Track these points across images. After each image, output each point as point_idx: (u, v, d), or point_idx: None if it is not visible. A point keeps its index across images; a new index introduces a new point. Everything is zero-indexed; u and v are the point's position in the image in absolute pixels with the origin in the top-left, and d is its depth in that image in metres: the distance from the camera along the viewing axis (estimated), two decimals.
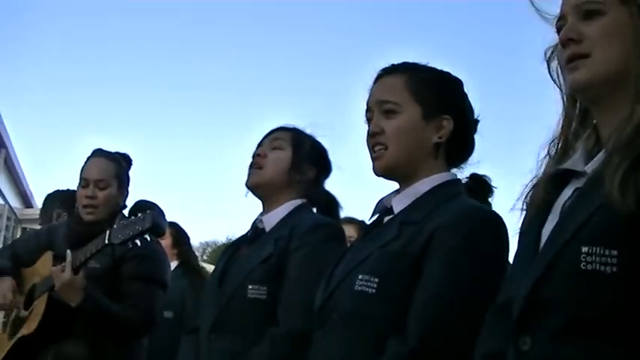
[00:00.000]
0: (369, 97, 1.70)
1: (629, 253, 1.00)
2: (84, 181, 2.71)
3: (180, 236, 4.39)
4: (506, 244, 1.53)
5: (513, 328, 1.10)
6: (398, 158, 1.63)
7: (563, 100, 1.25)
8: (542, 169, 1.24)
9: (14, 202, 13.57)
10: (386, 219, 1.65)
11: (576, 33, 1.16)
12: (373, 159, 1.66)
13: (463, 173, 1.73)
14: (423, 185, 1.63)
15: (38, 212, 4.11)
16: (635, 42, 1.13)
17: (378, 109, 1.66)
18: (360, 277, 1.52)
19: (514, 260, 1.24)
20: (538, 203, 1.20)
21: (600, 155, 1.14)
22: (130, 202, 2.87)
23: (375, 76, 1.72)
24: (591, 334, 1.02)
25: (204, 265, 5.57)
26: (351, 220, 3.52)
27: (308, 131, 2.19)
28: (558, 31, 1.21)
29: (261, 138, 2.18)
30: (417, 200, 1.61)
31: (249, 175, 2.11)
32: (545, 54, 1.27)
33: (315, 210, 2.15)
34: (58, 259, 2.58)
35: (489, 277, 1.44)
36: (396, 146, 1.62)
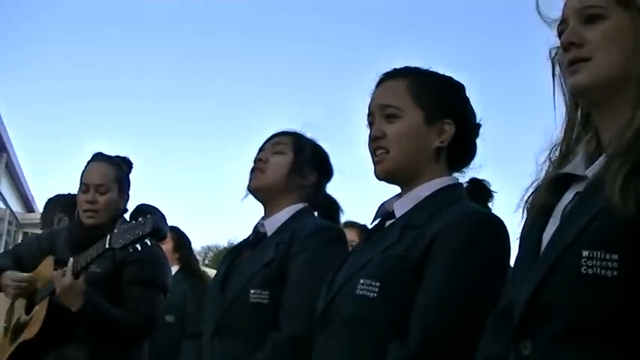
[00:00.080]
0: (371, 101, 1.70)
1: (629, 257, 1.00)
2: (84, 186, 2.71)
3: (181, 240, 4.40)
4: (507, 246, 1.53)
5: (514, 332, 1.10)
6: (399, 162, 1.63)
7: (566, 104, 1.25)
8: (542, 173, 1.24)
9: (15, 207, 13.57)
10: (388, 223, 1.65)
11: (578, 37, 1.16)
12: (375, 163, 1.66)
13: (465, 177, 1.73)
14: (424, 189, 1.63)
15: (39, 217, 4.11)
16: (637, 46, 1.13)
17: (379, 114, 1.66)
18: (361, 281, 1.52)
19: (515, 264, 1.24)
20: (539, 207, 1.20)
21: (601, 159, 1.14)
22: (131, 205, 2.86)
23: (376, 80, 1.72)
24: (592, 339, 1.02)
25: (206, 269, 5.58)
26: (352, 224, 3.53)
27: (309, 135, 2.20)
28: (559, 35, 1.22)
29: (262, 142, 2.18)
30: (419, 204, 1.61)
31: (250, 179, 2.12)
32: (550, 53, 1.27)
33: (316, 214, 2.15)
34: (60, 263, 2.58)
35: (491, 279, 1.44)
36: (397, 150, 1.62)
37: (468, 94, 1.74)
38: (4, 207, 12.63)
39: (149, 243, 2.37)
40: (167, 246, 3.90)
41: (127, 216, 2.81)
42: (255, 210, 2.15)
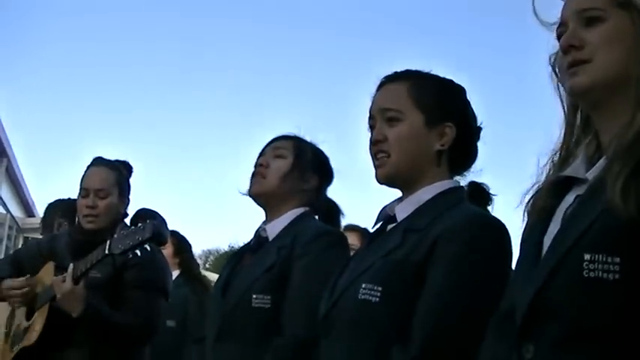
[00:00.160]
0: (372, 104, 1.70)
1: (631, 260, 1.00)
2: (84, 191, 2.71)
3: (181, 245, 4.39)
4: (508, 249, 1.53)
5: (516, 335, 1.10)
6: (400, 166, 1.63)
7: (565, 108, 1.25)
8: (543, 177, 1.24)
9: (16, 212, 13.57)
10: (389, 227, 1.65)
11: (577, 39, 1.16)
12: (376, 167, 1.66)
13: (466, 180, 1.73)
14: (425, 193, 1.62)
15: (40, 221, 4.11)
16: (636, 47, 1.13)
17: (380, 117, 1.66)
18: (363, 285, 1.51)
19: (516, 267, 1.24)
20: (539, 210, 1.20)
21: (601, 162, 1.14)
22: (132, 210, 2.86)
23: (377, 83, 1.72)
24: (594, 341, 1.02)
25: (207, 273, 5.58)
26: (353, 228, 3.52)
27: (309, 139, 2.19)
28: (559, 38, 1.21)
29: (263, 147, 2.18)
30: (420, 208, 1.60)
31: (251, 184, 2.11)
32: (550, 59, 1.27)
33: (317, 217, 2.15)
34: (60, 269, 2.58)
35: (492, 282, 1.44)
36: (398, 154, 1.62)
37: (468, 97, 1.74)
38: (4, 212, 12.63)
39: (148, 248, 2.37)
40: (167, 250, 3.89)
41: (127, 220, 2.81)
42: (256, 213, 2.16)
